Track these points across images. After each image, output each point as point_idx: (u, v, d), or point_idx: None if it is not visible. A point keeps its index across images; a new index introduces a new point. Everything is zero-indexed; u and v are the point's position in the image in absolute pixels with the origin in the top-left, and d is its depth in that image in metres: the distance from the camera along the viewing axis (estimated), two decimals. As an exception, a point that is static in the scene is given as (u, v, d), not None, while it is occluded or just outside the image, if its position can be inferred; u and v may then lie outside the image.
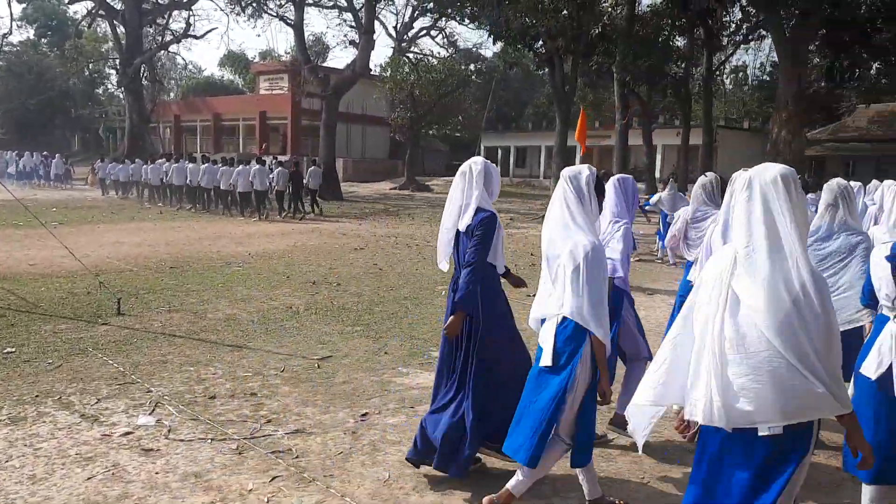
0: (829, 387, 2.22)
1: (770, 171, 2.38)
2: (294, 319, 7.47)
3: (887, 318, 3.19)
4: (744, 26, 29.12)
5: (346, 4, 31.57)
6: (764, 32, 28.70)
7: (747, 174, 2.42)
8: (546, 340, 3.30)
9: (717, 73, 38.39)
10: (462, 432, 3.68)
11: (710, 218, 4.72)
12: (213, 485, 3.71)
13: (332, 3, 35.12)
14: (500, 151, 51.89)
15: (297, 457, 4.07)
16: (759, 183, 2.36)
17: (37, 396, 4.94)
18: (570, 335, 3.22)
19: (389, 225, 19.41)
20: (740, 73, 55.62)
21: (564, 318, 3.24)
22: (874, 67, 30.70)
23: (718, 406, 2.31)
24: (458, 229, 3.80)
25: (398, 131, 41.10)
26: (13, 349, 6.03)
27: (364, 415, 4.74)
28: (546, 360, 3.26)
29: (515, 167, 47.69)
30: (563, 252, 3.26)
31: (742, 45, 32.11)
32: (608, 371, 3.42)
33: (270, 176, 20.03)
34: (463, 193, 3.79)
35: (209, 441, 4.26)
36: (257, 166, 19.84)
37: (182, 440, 4.27)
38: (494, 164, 4.01)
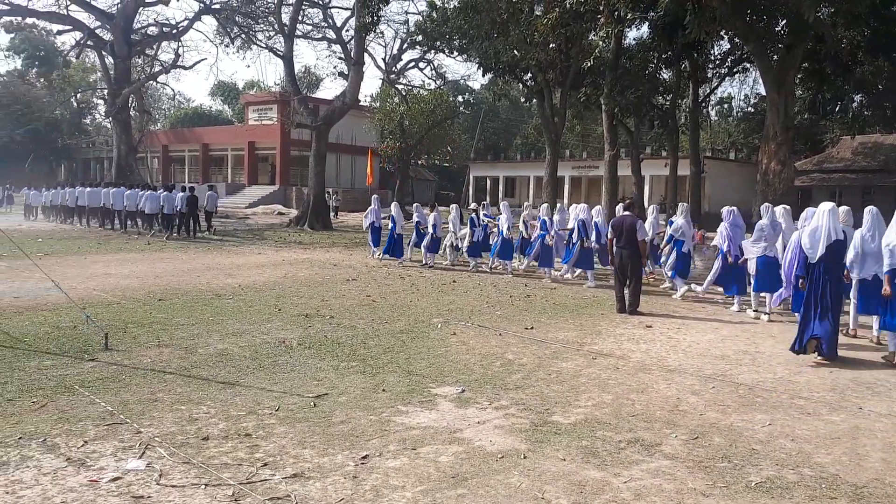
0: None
1: (869, 207, 8.19)
2: (287, 354, 7.27)
3: None
4: (728, 59, 29.54)
5: (335, 37, 31.76)
6: (748, 65, 29.10)
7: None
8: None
9: (703, 104, 38.87)
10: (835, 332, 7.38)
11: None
12: (209, 536, 3.50)
13: (321, 36, 35.38)
14: (488, 181, 52.18)
15: (296, 504, 3.87)
16: (871, 214, 8.23)
17: (20, 438, 4.70)
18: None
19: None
20: (725, 105, 56.50)
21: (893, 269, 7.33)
22: (856, 100, 31.18)
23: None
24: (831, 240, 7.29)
25: (388, 161, 41.18)
26: (-5, 388, 5.79)
27: (364, 457, 4.54)
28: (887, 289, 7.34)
29: (504, 196, 47.83)
30: (893, 240, 7.28)
31: (727, 77, 32.50)
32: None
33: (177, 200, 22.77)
34: (828, 220, 7.19)
35: (203, 487, 4.05)
36: (165, 192, 22.71)
37: (174, 486, 4.05)
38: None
